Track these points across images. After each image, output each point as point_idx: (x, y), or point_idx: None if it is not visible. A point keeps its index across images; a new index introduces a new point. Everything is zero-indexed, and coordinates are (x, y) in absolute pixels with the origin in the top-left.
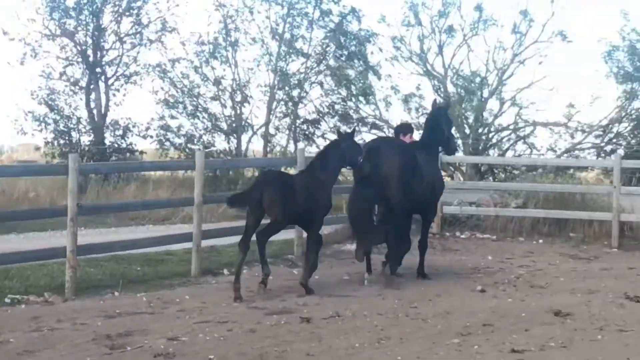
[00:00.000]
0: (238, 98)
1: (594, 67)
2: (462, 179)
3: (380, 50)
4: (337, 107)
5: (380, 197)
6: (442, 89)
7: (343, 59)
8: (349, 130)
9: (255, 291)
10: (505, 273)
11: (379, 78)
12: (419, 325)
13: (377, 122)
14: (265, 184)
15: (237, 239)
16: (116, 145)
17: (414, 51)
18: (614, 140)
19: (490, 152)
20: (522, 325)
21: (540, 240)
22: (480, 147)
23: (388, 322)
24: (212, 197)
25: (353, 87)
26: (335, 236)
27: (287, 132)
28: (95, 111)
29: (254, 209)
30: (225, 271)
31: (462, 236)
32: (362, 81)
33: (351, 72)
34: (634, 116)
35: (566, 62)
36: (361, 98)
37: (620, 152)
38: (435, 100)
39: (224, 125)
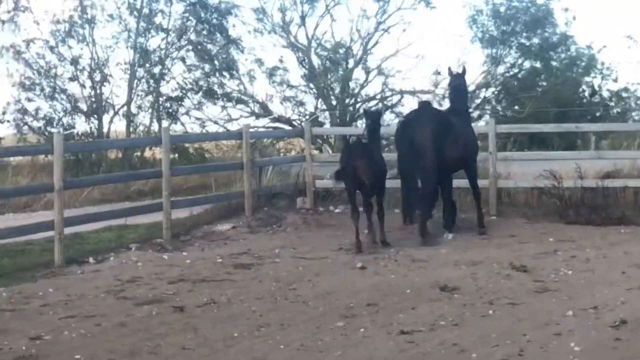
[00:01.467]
0: (97, 77)
1: (458, 32)
2: (330, 151)
3: (243, 23)
4: (200, 83)
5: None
6: (306, 61)
7: (205, 33)
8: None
9: (122, 280)
10: (385, 247)
11: (242, 52)
12: (299, 309)
13: (242, 96)
14: (355, 154)
15: (102, 224)
16: None
17: (276, 23)
18: (481, 106)
19: (358, 122)
20: (409, 303)
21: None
22: (347, 118)
23: (267, 307)
24: (73, 182)
25: (216, 62)
26: (205, 216)
27: (150, 110)
28: None
29: (352, 177)
30: (91, 259)
31: (337, 210)
32: (224, 55)
33: (213, 47)
34: (500, 81)
35: (432, 29)
36: (225, 73)
37: (487, 117)
38: (450, 68)
39: (84, 107)
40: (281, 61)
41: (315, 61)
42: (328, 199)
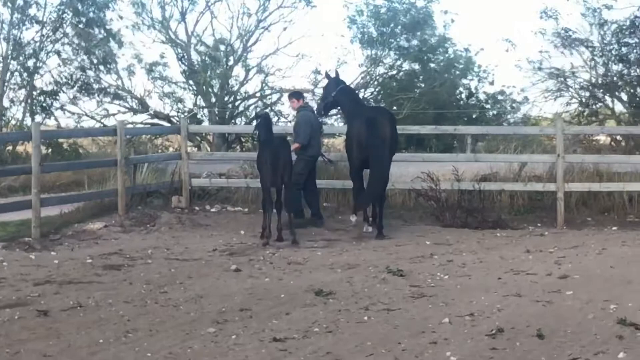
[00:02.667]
0: None
1: (339, 32)
2: (209, 149)
3: (120, 17)
4: (75, 77)
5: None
6: (185, 57)
7: (81, 26)
8: None
9: None
10: (261, 248)
11: (120, 46)
12: (170, 313)
13: (120, 92)
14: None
15: None
16: None
17: (156, 18)
18: None
19: (237, 120)
20: (283, 309)
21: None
22: (226, 116)
23: (136, 312)
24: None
25: (93, 57)
26: (77, 215)
27: (22, 104)
28: None
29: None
30: None
31: (213, 210)
32: (101, 49)
33: (89, 41)
34: (378, 81)
35: (312, 28)
36: (101, 67)
37: None
38: (327, 71)
39: None
40: (162, 56)
41: (195, 57)
42: (204, 198)
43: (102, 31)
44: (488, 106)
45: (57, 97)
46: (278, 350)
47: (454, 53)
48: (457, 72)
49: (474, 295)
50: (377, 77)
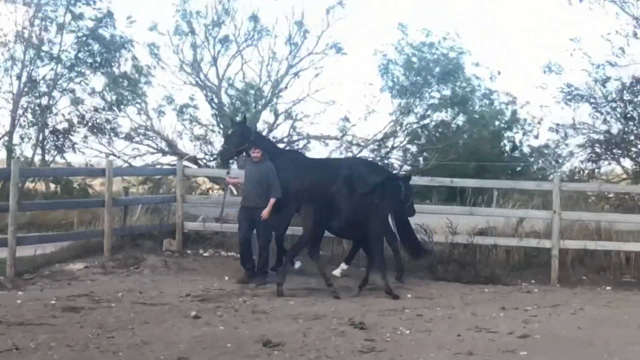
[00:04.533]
0: None
1: (369, 80)
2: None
3: (135, 58)
4: (87, 116)
5: None
6: (215, 100)
7: (96, 66)
8: None
9: None
10: (233, 296)
11: (145, 83)
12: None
13: (149, 132)
14: None
15: None
16: None
17: (186, 60)
18: (389, 155)
19: None
20: (223, 359)
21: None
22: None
23: (71, 356)
24: None
25: (107, 96)
26: (61, 255)
27: (33, 141)
28: None
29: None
30: None
31: (205, 254)
32: (115, 91)
33: (109, 77)
34: (408, 130)
35: (342, 75)
36: (115, 108)
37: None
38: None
39: None
40: (192, 98)
41: (226, 100)
42: (199, 242)
43: (133, 70)
44: (532, 159)
45: (70, 136)
46: None
47: (498, 105)
48: (502, 125)
49: (424, 351)
50: (407, 126)
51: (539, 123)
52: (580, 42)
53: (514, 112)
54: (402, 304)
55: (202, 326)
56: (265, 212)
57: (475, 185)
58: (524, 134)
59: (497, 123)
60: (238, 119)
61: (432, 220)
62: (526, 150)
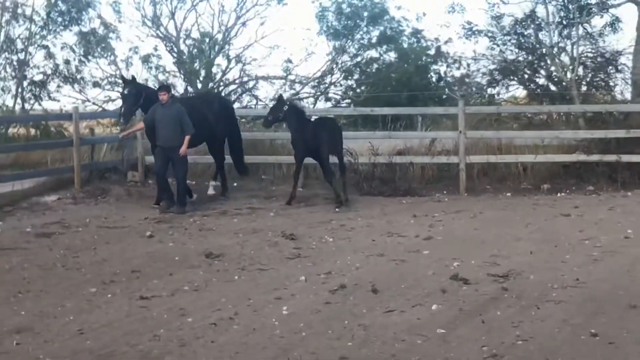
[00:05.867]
0: None
1: (307, 26)
2: None
3: (99, 16)
4: (64, 67)
5: None
6: (175, 49)
7: (65, 24)
8: None
9: None
10: (185, 217)
11: (119, 39)
12: (68, 276)
13: (118, 80)
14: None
15: None
16: None
17: (148, 16)
18: (327, 90)
19: None
20: (169, 270)
21: (235, 184)
22: None
23: (39, 274)
24: None
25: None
26: (37, 189)
27: (12, 92)
28: None
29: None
30: None
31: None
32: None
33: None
34: (344, 68)
35: (284, 22)
36: (84, 59)
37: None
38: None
39: None
40: (156, 49)
41: (184, 49)
42: None
43: (102, 27)
44: (455, 88)
45: (46, 86)
46: (138, 307)
47: (425, 42)
48: (429, 60)
49: (342, 255)
50: (342, 64)
51: (460, 57)
52: None
53: (438, 48)
54: (329, 216)
55: (154, 244)
56: (183, 149)
57: (391, 113)
58: (447, 66)
59: (424, 58)
60: (129, 77)
61: (357, 145)
62: (450, 80)
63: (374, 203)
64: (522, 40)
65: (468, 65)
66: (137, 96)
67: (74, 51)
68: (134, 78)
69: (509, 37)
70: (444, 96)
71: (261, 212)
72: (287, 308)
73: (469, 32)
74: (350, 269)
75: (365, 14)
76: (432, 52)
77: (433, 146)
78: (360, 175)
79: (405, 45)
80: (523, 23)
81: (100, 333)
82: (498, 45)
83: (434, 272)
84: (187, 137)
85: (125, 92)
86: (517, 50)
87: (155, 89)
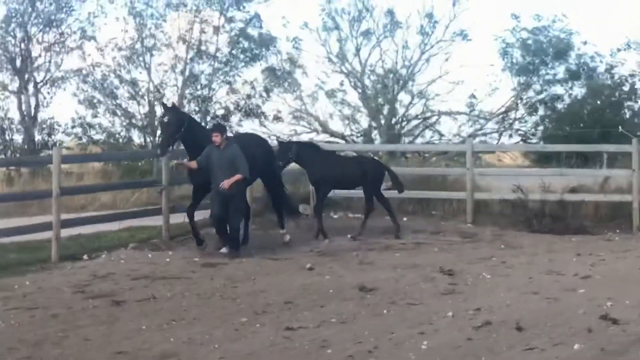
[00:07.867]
0: (152, 97)
1: (490, 61)
2: None
3: (279, 52)
4: (245, 102)
5: None
6: (359, 84)
7: (247, 60)
8: None
9: (96, 276)
10: (349, 250)
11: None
12: (223, 305)
13: (303, 114)
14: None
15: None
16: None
17: (333, 52)
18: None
19: (405, 139)
20: (321, 302)
21: (405, 218)
22: (396, 133)
23: (197, 303)
24: (66, 189)
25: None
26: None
27: None
28: (25, 112)
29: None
30: (85, 257)
31: (335, 216)
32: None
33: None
34: (528, 104)
35: (467, 58)
36: (264, 94)
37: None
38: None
39: (139, 123)
40: (341, 84)
41: (368, 84)
42: (330, 205)
43: (288, 64)
44: None
45: (228, 120)
46: (282, 338)
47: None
48: (623, 95)
49: (495, 292)
50: (526, 100)
51: None
52: None
53: (633, 84)
54: (491, 253)
55: (313, 276)
56: (226, 182)
57: (563, 150)
58: None
59: (617, 94)
60: (169, 105)
61: (529, 182)
62: None
63: (542, 241)
64: None
65: None
66: (177, 125)
67: (253, 87)
68: (174, 105)
69: None
70: (638, 133)
71: (424, 247)
72: (428, 343)
73: None
74: (501, 306)
75: (550, 49)
76: (626, 88)
77: (606, 184)
78: (531, 212)
79: (596, 81)
80: None
81: None
82: None
83: (585, 311)
84: (238, 177)
85: (165, 120)
86: None
87: (199, 120)
